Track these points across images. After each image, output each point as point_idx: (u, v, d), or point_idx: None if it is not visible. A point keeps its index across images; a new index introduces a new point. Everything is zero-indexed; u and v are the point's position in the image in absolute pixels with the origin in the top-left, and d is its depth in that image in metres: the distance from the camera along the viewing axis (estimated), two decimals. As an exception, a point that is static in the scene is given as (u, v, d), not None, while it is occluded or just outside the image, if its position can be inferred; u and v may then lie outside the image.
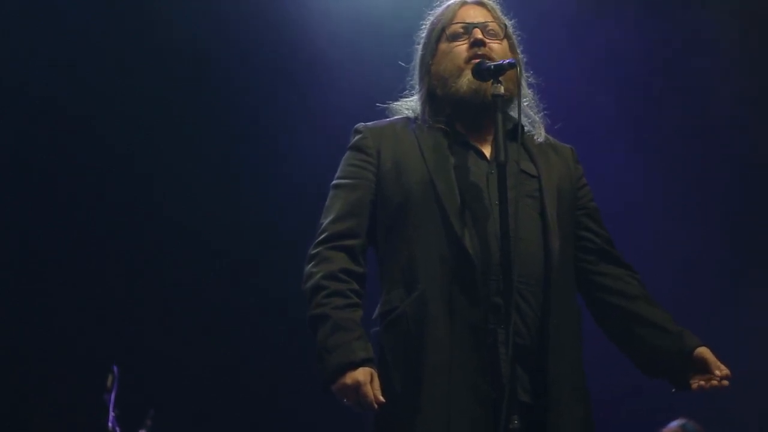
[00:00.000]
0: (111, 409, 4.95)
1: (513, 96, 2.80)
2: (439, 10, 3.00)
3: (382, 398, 2.61)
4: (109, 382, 4.98)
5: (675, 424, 5.18)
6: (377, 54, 5.86)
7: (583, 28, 5.93)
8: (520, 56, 2.97)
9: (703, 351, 2.79)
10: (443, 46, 2.91)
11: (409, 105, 3.01)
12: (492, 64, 2.76)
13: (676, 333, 2.83)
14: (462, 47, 2.87)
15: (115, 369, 5.02)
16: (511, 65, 2.72)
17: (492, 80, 2.72)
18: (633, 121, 6.00)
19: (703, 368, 2.78)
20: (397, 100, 3.06)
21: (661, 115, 6.12)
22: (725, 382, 2.77)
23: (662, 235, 5.95)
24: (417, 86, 3.00)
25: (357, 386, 2.60)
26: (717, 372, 2.76)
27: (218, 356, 6.20)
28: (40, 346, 5.93)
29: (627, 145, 5.89)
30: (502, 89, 2.69)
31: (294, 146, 6.18)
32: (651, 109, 6.07)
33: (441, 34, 2.92)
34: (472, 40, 2.86)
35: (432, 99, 2.93)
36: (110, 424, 4.91)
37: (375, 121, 3.00)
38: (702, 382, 2.78)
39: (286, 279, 6.08)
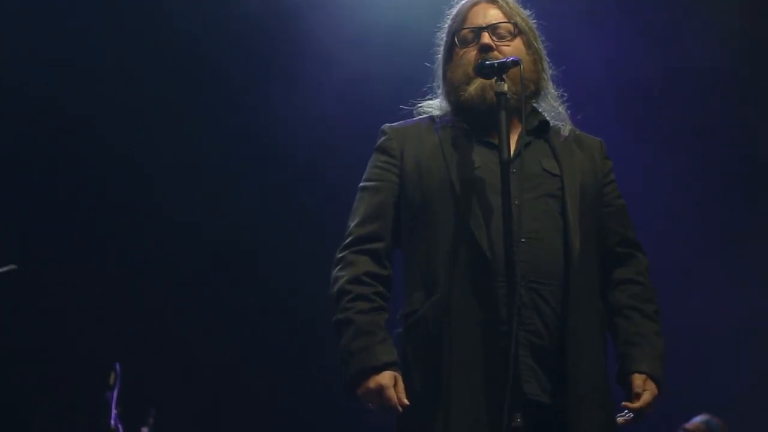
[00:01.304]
0: (113, 407, 4.94)
1: (520, 93, 2.78)
2: (453, 11, 3.00)
3: (406, 401, 2.63)
4: (111, 380, 4.97)
5: (698, 419, 5.13)
6: (379, 54, 5.87)
7: (581, 27, 5.95)
8: (541, 48, 2.95)
9: (633, 378, 2.76)
10: (456, 51, 2.92)
11: (435, 104, 3.01)
12: (495, 61, 2.75)
13: (623, 354, 2.80)
14: (471, 54, 2.87)
15: (117, 367, 5.01)
16: (515, 63, 2.70)
17: (495, 78, 2.71)
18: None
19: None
20: (419, 99, 3.06)
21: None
22: (622, 420, 2.73)
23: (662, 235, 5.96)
24: (438, 89, 3.01)
25: (380, 390, 2.62)
26: (630, 405, 2.73)
27: (220, 355, 6.20)
28: (40, 345, 5.92)
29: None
30: (505, 87, 2.67)
31: (294, 146, 6.18)
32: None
33: (453, 38, 2.93)
34: (479, 45, 2.86)
35: (449, 102, 2.94)
36: (112, 422, 4.90)
37: (401, 122, 3.01)
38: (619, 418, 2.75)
39: (286, 279, 6.15)
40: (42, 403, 5.91)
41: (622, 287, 2.89)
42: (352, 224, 2.85)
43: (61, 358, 5.93)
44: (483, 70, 2.77)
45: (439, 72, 2.99)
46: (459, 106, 2.88)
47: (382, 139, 2.96)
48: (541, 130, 2.89)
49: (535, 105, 2.93)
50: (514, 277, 2.53)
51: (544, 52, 2.97)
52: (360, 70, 5.99)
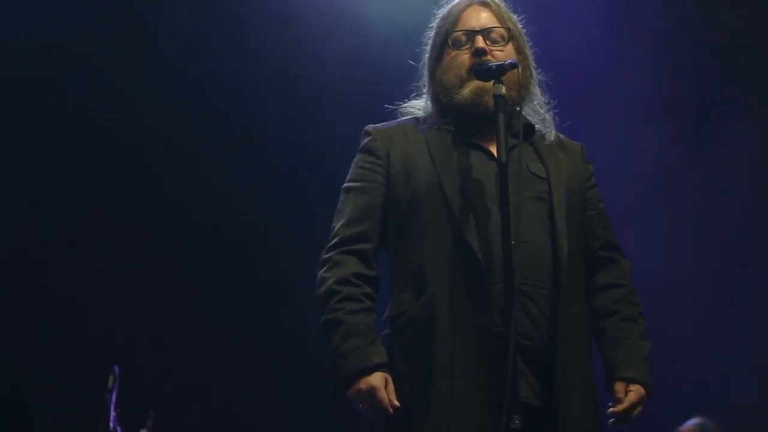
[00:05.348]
0: (112, 408, 4.95)
1: (515, 96, 2.79)
2: (444, 11, 2.98)
3: (397, 403, 2.62)
4: (110, 382, 4.98)
5: (692, 423, 5.09)
6: (377, 52, 5.86)
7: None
8: (530, 54, 2.95)
9: (617, 384, 2.76)
10: (447, 53, 2.91)
11: (419, 105, 3.00)
12: (493, 64, 2.75)
13: (609, 360, 2.81)
14: (464, 56, 2.86)
15: (116, 369, 5.02)
16: (512, 66, 2.71)
17: (494, 81, 2.71)
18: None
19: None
20: (403, 100, 3.05)
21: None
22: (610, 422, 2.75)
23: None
24: (424, 88, 2.99)
25: (372, 391, 2.61)
26: (614, 409, 2.73)
27: (220, 357, 6.20)
28: (40, 345, 5.93)
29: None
30: (503, 89, 2.67)
31: (295, 145, 6.18)
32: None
33: (445, 40, 2.91)
34: (473, 49, 2.85)
35: (438, 103, 2.93)
36: (111, 424, 4.91)
37: (385, 123, 2.99)
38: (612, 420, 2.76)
39: (287, 281, 6.13)
40: (41, 405, 5.91)
41: (606, 291, 2.89)
42: (337, 225, 2.83)
43: (60, 358, 5.93)
44: (481, 73, 2.77)
45: (426, 72, 2.98)
46: (451, 108, 2.87)
47: (367, 139, 2.93)
48: (525, 133, 2.86)
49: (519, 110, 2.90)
50: (512, 280, 2.52)
51: (532, 58, 2.97)
52: (362, 67, 6.00)
